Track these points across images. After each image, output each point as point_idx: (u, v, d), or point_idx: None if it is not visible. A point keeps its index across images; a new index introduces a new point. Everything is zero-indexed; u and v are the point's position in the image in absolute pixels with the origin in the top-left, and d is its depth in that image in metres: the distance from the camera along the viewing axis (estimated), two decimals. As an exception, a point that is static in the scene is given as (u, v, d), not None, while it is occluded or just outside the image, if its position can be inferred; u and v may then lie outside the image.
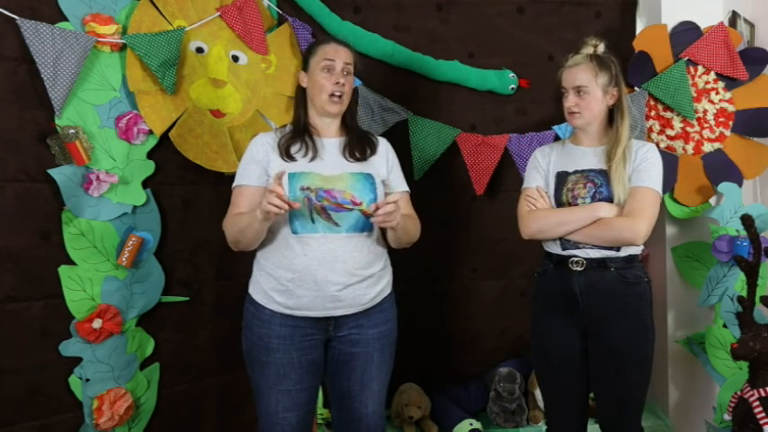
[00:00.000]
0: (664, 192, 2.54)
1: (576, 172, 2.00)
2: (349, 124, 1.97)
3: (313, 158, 1.85)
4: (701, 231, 2.69)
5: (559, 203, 2.00)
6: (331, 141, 1.91)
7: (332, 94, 1.87)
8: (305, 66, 1.94)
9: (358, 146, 1.92)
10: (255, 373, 1.86)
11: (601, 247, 1.94)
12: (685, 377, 2.77)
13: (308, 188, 1.79)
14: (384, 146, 2.00)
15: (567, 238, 1.96)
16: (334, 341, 1.87)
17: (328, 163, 1.86)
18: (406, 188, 2.01)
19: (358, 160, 1.90)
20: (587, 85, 1.96)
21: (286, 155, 1.84)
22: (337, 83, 1.86)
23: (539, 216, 2.00)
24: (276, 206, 1.65)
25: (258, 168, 1.86)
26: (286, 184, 1.76)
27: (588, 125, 2.01)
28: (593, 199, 1.95)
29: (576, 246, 1.96)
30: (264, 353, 1.82)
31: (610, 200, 1.93)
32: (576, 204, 1.96)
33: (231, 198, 1.89)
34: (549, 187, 2.04)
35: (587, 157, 2.01)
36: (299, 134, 1.89)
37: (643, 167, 1.95)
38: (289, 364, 1.81)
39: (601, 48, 2.02)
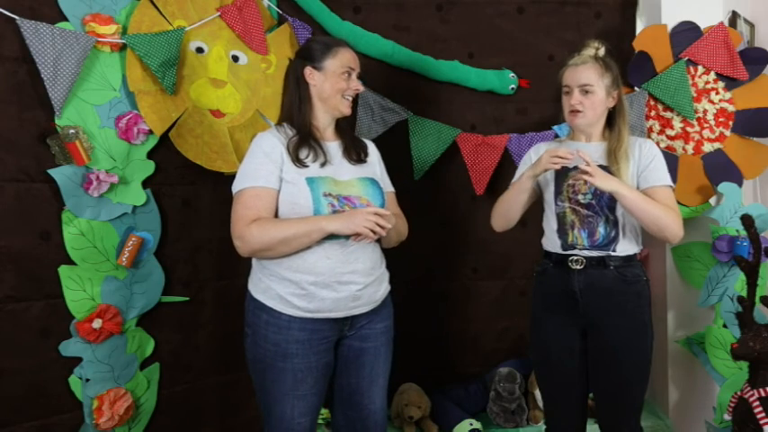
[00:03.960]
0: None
1: (576, 168, 1.99)
2: (343, 126, 1.97)
3: (324, 164, 1.84)
4: (701, 231, 2.68)
5: (560, 199, 2.00)
6: (333, 145, 1.91)
7: (345, 96, 1.89)
8: (316, 63, 1.87)
9: (354, 149, 1.93)
10: (268, 380, 1.81)
11: (597, 247, 1.94)
12: (685, 377, 2.77)
13: (329, 194, 1.78)
14: (373, 148, 2.02)
15: (624, 210, 1.94)
16: (345, 339, 1.87)
17: (337, 168, 1.86)
18: (392, 188, 2.04)
19: (357, 162, 1.91)
20: (593, 84, 1.96)
21: (297, 160, 1.80)
22: (356, 89, 1.89)
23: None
24: (376, 230, 1.70)
25: (276, 170, 1.78)
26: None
27: (589, 126, 2.02)
28: (594, 195, 1.96)
29: (574, 246, 1.97)
30: (281, 359, 1.78)
31: (610, 196, 1.93)
32: (578, 200, 1.97)
33: (241, 199, 1.77)
34: (548, 183, 2.04)
35: (588, 152, 2.00)
36: (304, 138, 1.85)
37: (654, 166, 1.97)
38: (306, 369, 1.79)
39: (602, 51, 2.02)
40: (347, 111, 1.90)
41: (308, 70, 1.87)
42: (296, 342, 1.78)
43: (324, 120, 1.91)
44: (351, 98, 1.90)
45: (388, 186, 2.01)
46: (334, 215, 1.75)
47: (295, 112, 1.88)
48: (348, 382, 1.90)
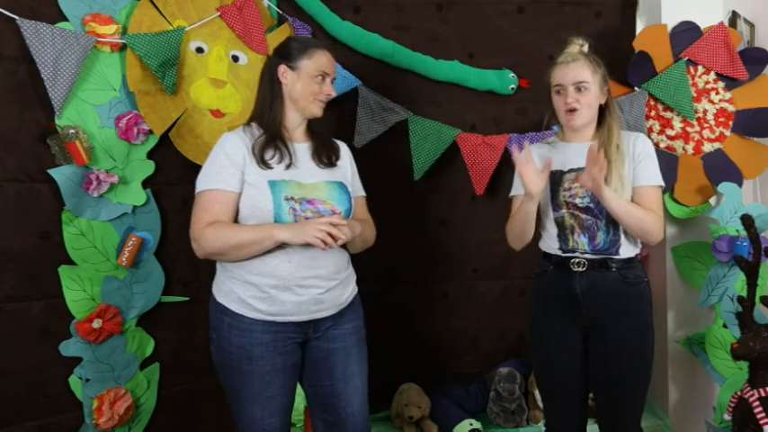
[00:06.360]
0: (663, 192, 2.55)
1: (570, 171, 1.97)
2: (314, 128, 1.94)
3: (289, 166, 1.80)
4: (701, 231, 2.69)
5: (557, 204, 1.98)
6: (302, 147, 1.87)
7: (318, 100, 1.85)
8: (291, 62, 1.83)
9: (325, 151, 1.89)
10: (236, 383, 1.80)
11: (599, 251, 1.94)
12: (685, 377, 2.77)
13: (291, 198, 1.76)
14: (345, 150, 1.98)
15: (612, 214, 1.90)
16: (312, 341, 1.86)
17: (303, 170, 1.82)
18: (363, 193, 2.01)
19: (327, 166, 1.87)
20: (588, 81, 1.92)
21: (261, 162, 1.77)
22: (329, 94, 1.86)
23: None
24: (327, 241, 1.67)
25: (237, 173, 1.75)
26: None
27: (583, 125, 1.99)
28: (592, 198, 1.93)
29: (575, 250, 1.96)
30: (247, 362, 1.77)
31: None
32: (575, 204, 1.95)
33: (200, 201, 1.76)
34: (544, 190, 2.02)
35: (581, 154, 1.96)
36: (272, 138, 1.81)
37: (645, 165, 1.94)
38: (273, 371, 1.78)
39: (585, 48, 2.00)
40: (318, 113, 1.87)
41: (282, 68, 1.83)
42: (260, 345, 1.77)
43: (294, 120, 1.87)
44: (323, 102, 1.87)
45: (358, 191, 1.98)
46: (289, 224, 1.73)
47: (266, 110, 1.85)
48: (322, 385, 1.88)
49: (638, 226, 1.90)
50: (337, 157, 1.92)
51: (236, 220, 1.78)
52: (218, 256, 1.78)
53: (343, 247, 1.87)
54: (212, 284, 1.86)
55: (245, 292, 1.76)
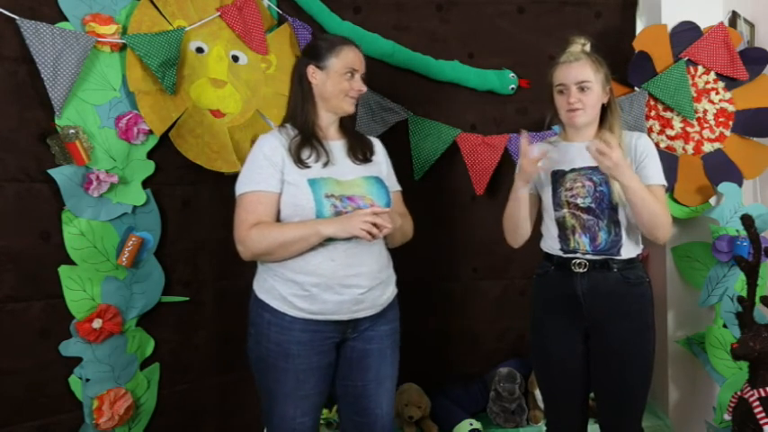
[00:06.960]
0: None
1: (572, 170, 1.98)
2: (346, 125, 1.96)
3: (326, 164, 1.82)
4: (701, 231, 2.69)
5: (558, 204, 1.98)
6: (336, 144, 1.89)
7: (349, 96, 1.87)
8: (319, 61, 1.85)
9: (360, 148, 1.91)
10: (270, 380, 1.81)
11: (600, 251, 1.93)
12: (685, 377, 2.77)
13: (332, 195, 1.77)
14: (379, 146, 2.00)
15: (626, 198, 1.88)
16: (348, 341, 1.86)
17: (340, 168, 1.84)
18: (400, 187, 2.03)
19: (362, 162, 1.89)
20: (591, 80, 1.92)
21: (298, 161, 1.79)
22: (359, 90, 1.87)
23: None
24: (373, 231, 1.68)
25: (276, 173, 1.78)
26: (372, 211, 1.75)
27: (586, 125, 1.99)
28: (593, 198, 1.94)
29: (576, 251, 1.96)
30: (283, 359, 1.78)
31: (610, 198, 1.92)
32: (577, 204, 1.95)
33: (243, 203, 1.78)
34: (545, 189, 2.02)
35: (582, 154, 1.96)
36: (306, 138, 1.83)
37: (647, 163, 1.94)
38: (309, 370, 1.79)
39: (587, 47, 2.00)
40: (351, 110, 1.89)
41: (310, 69, 1.86)
42: (298, 343, 1.77)
43: (326, 119, 1.90)
44: (355, 98, 1.88)
45: (394, 186, 1.99)
46: (332, 219, 1.74)
47: (297, 110, 1.87)
48: (354, 386, 1.89)
49: (652, 219, 1.87)
50: (372, 153, 1.94)
51: (277, 221, 1.80)
52: (264, 257, 1.79)
53: (384, 240, 1.87)
54: (253, 281, 1.88)
55: (287, 289, 1.77)
